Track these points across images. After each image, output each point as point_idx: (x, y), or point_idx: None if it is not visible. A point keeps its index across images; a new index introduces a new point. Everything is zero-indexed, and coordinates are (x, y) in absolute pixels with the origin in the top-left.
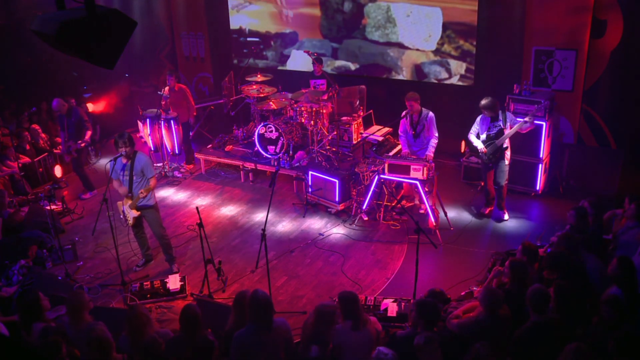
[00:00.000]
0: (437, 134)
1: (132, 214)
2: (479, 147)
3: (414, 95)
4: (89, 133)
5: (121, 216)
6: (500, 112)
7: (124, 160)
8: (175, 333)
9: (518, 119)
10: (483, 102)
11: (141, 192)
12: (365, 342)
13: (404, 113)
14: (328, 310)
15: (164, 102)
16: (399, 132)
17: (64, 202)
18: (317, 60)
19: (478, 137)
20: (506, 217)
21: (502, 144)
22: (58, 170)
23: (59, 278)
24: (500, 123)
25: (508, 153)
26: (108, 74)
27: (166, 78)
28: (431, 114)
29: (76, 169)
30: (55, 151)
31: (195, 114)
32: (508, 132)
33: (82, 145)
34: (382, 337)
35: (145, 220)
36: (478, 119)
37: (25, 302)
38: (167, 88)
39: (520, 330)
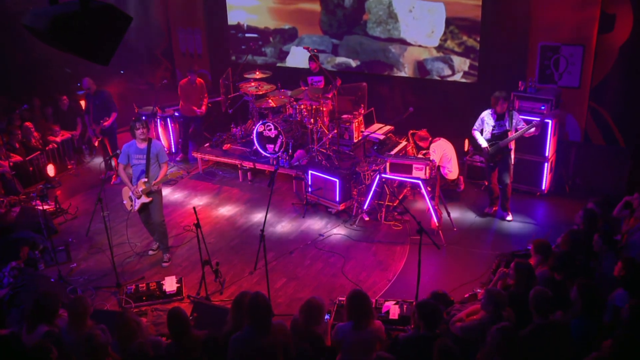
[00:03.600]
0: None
1: (143, 199)
2: (482, 145)
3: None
4: (114, 115)
5: (124, 201)
6: (507, 112)
7: (141, 145)
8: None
9: (522, 117)
10: (497, 93)
11: (155, 183)
12: (366, 342)
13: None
14: (316, 305)
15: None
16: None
17: (57, 202)
18: (315, 58)
19: (482, 133)
20: (510, 217)
21: (505, 146)
22: (51, 169)
23: (52, 280)
24: (506, 123)
25: (512, 154)
26: (103, 70)
27: (189, 73)
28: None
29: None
30: (47, 149)
31: (210, 105)
32: (513, 135)
33: (106, 124)
34: (385, 341)
35: (148, 205)
36: (483, 115)
37: (44, 301)
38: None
39: (522, 333)
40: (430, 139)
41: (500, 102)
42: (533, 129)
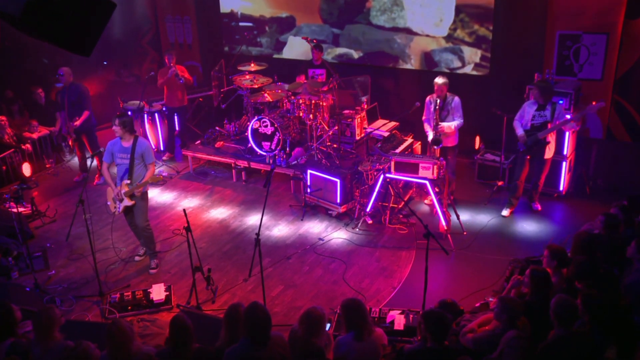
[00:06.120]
0: (461, 120)
1: (126, 202)
2: (518, 134)
3: (439, 77)
4: (86, 113)
5: (108, 202)
6: (550, 102)
7: (126, 143)
8: (159, 349)
9: (567, 115)
10: (539, 82)
11: (137, 186)
12: (370, 352)
13: (427, 98)
14: (316, 316)
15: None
16: (423, 120)
17: (34, 203)
18: (317, 48)
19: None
20: (539, 207)
21: (544, 137)
22: (27, 169)
23: (27, 289)
24: (547, 114)
25: (549, 148)
26: (83, 61)
27: (166, 57)
28: (457, 98)
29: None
30: (23, 147)
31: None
32: (552, 126)
33: (76, 124)
34: (389, 352)
35: (132, 208)
36: (525, 103)
37: None
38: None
39: (543, 345)
40: (446, 89)
41: (531, 90)
42: (573, 125)
